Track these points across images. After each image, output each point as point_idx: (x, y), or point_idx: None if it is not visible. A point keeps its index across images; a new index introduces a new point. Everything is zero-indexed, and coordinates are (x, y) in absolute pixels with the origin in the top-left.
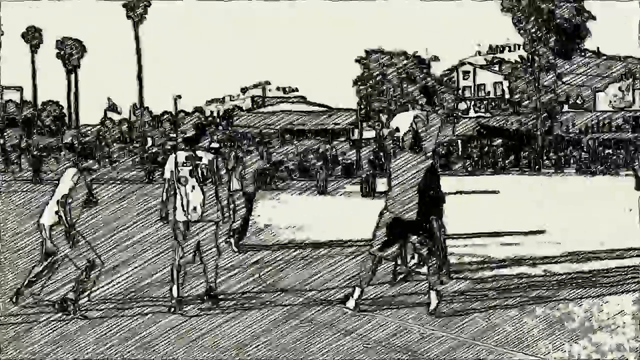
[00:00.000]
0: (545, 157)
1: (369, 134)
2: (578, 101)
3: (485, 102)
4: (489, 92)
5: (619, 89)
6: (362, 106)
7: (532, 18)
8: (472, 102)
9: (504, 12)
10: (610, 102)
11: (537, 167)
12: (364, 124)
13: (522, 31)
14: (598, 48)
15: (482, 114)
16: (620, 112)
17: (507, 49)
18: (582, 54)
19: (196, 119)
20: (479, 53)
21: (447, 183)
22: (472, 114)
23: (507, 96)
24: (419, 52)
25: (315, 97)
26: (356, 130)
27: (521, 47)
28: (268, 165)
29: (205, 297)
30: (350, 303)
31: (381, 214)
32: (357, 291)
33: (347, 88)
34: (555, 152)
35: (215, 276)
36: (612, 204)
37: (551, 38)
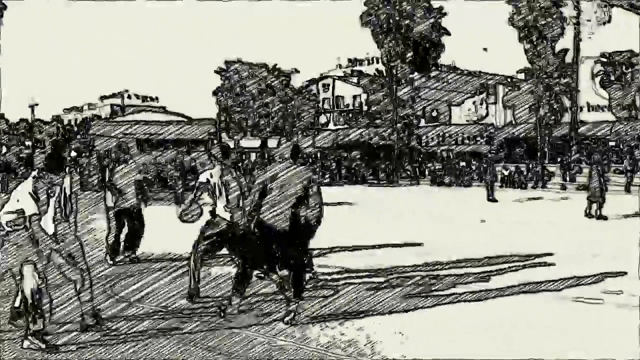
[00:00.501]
0: (402, 169)
1: (229, 144)
2: (434, 114)
3: (344, 114)
4: (348, 105)
5: (473, 103)
6: (222, 117)
7: (391, 33)
8: (332, 115)
9: (364, 27)
10: (465, 115)
11: (393, 178)
12: (224, 135)
13: (380, 45)
14: (454, 62)
15: (341, 126)
16: (474, 125)
17: (366, 62)
18: (439, 68)
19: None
20: (339, 66)
21: None
22: (331, 126)
23: (365, 109)
24: (279, 64)
25: (175, 107)
26: (215, 141)
27: (380, 61)
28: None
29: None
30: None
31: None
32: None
33: (207, 98)
34: (411, 164)
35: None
36: (465, 214)
37: (408, 53)
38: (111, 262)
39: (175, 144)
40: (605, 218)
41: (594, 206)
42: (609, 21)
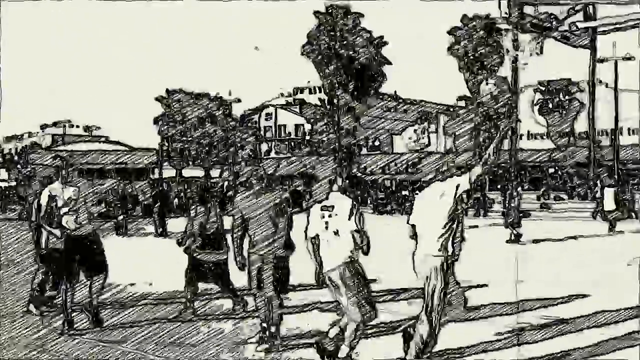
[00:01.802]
0: None
1: (170, 173)
2: (376, 143)
3: (286, 143)
4: (290, 134)
5: (415, 131)
6: (164, 146)
7: (332, 63)
8: (273, 143)
9: (304, 56)
10: (407, 144)
11: None
12: (165, 164)
13: (322, 75)
14: (395, 92)
15: (283, 155)
16: (415, 154)
17: (308, 91)
18: (380, 97)
19: None
20: (282, 95)
21: None
22: (273, 155)
23: (307, 138)
24: (221, 93)
25: (116, 136)
26: (157, 170)
27: (321, 89)
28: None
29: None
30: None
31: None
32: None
33: (148, 127)
34: (354, 192)
35: None
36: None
37: (350, 82)
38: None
39: (117, 173)
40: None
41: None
42: (541, 52)
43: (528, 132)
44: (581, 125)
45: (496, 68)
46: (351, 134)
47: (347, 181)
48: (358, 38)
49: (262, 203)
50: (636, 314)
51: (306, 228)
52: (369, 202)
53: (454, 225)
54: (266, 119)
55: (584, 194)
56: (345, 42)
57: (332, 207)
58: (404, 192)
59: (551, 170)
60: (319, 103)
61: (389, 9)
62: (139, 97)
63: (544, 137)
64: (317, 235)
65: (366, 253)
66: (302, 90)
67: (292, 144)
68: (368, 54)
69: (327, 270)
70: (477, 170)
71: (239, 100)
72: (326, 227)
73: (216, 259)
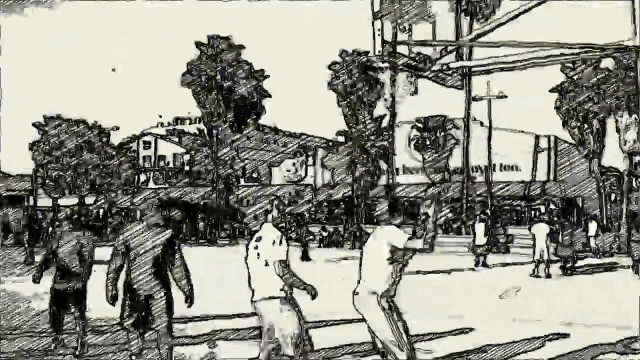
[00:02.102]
0: (221, 229)
1: (46, 201)
2: (254, 175)
3: (164, 173)
4: (168, 163)
5: (293, 164)
6: (39, 173)
7: (212, 93)
8: (152, 173)
9: (184, 86)
10: (285, 176)
11: (213, 238)
12: (40, 191)
13: (201, 105)
14: (274, 124)
15: (162, 185)
16: (292, 185)
17: (187, 121)
18: (260, 129)
19: None
20: (161, 124)
21: None
22: (151, 184)
23: (186, 168)
24: (99, 120)
25: None
26: (31, 197)
27: (201, 120)
28: None
29: None
30: None
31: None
32: None
33: (23, 153)
34: (231, 224)
35: None
36: None
37: (229, 114)
38: None
39: None
40: None
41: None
42: (415, 92)
43: (403, 166)
44: (456, 161)
45: (374, 104)
46: (229, 165)
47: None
48: (239, 70)
49: (149, 238)
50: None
51: (246, 256)
52: (246, 233)
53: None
54: (145, 148)
55: (458, 228)
56: (225, 73)
57: (261, 237)
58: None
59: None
60: (197, 133)
61: (270, 42)
62: (15, 121)
63: (419, 172)
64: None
65: (312, 296)
66: (182, 121)
67: (170, 173)
68: (248, 86)
69: (256, 299)
70: (417, 244)
71: (117, 129)
72: (257, 257)
73: (72, 288)
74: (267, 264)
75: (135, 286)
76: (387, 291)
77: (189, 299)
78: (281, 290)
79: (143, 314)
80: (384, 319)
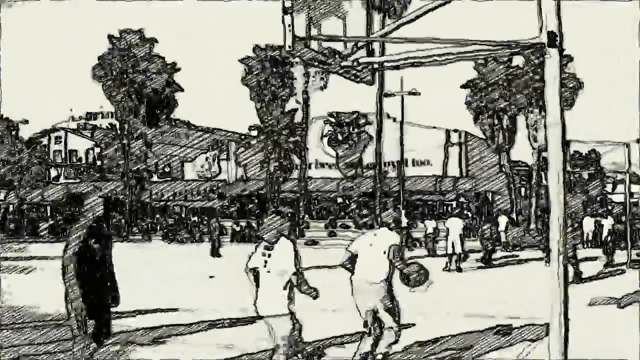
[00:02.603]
0: (134, 225)
1: None
2: (167, 169)
3: (75, 168)
4: (80, 158)
5: (206, 159)
6: None
7: (124, 87)
8: (63, 168)
9: (95, 80)
10: (198, 171)
11: (125, 234)
12: None
13: (112, 99)
14: (188, 120)
15: (73, 180)
16: (206, 181)
17: (100, 115)
18: (173, 124)
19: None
20: (72, 118)
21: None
22: (62, 179)
23: (98, 163)
24: (7, 114)
25: None
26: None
27: (113, 114)
28: None
29: None
30: None
31: None
32: None
33: None
34: (144, 219)
35: None
36: (190, 268)
37: (141, 108)
38: None
39: None
40: None
41: None
42: (325, 87)
43: (316, 161)
44: (369, 157)
45: (287, 98)
46: (142, 159)
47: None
48: (151, 64)
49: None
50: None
51: (249, 259)
52: (158, 229)
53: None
54: (56, 143)
55: (371, 223)
56: (138, 67)
57: (271, 247)
58: (193, 219)
59: (339, 200)
60: (109, 127)
61: (183, 37)
62: None
63: (332, 167)
64: (256, 269)
65: (315, 297)
66: (94, 115)
67: (82, 168)
68: (161, 80)
69: (264, 314)
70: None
71: (26, 122)
72: (264, 265)
73: None
74: (270, 273)
75: None
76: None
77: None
78: (290, 303)
79: None
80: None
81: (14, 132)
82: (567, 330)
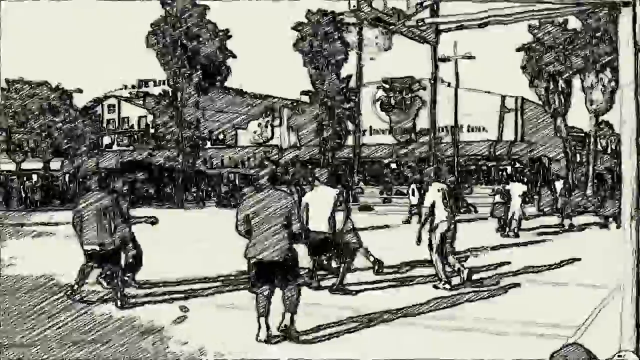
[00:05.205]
0: (187, 192)
1: (8, 166)
2: (220, 137)
3: (129, 135)
4: (133, 126)
5: (259, 125)
6: (1, 137)
7: (176, 54)
8: (116, 136)
9: (149, 48)
10: (251, 138)
11: (179, 201)
12: (3, 156)
13: (165, 67)
14: (240, 85)
15: (126, 148)
16: (260, 147)
17: (152, 83)
18: (225, 91)
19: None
20: (125, 86)
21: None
22: (115, 147)
23: (151, 130)
24: (62, 83)
25: None
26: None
27: (166, 82)
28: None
29: None
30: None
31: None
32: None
33: None
34: (197, 186)
35: None
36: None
37: (194, 75)
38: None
39: None
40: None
41: None
42: (390, 47)
43: (370, 127)
44: (422, 122)
45: (341, 64)
46: (194, 126)
47: None
48: (203, 30)
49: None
50: None
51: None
52: (212, 196)
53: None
54: (109, 111)
55: (426, 189)
56: (190, 34)
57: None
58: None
59: (393, 166)
60: (162, 95)
61: (235, 3)
62: None
63: (386, 132)
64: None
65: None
66: (146, 83)
67: (135, 136)
68: (213, 47)
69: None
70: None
71: (80, 91)
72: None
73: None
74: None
75: None
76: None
77: None
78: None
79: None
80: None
81: (68, 102)
82: (639, 293)
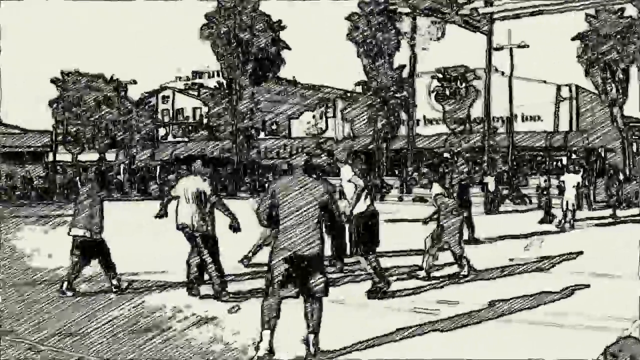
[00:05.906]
0: (242, 182)
1: (66, 157)
2: (274, 127)
3: (183, 127)
4: (187, 117)
5: (313, 116)
6: (59, 129)
7: (231, 46)
8: (171, 127)
9: (203, 39)
10: (305, 129)
11: (233, 191)
12: (60, 147)
13: (220, 58)
14: (294, 77)
15: (181, 139)
16: (313, 138)
17: (206, 75)
18: (279, 82)
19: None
20: (179, 78)
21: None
22: (170, 138)
23: (205, 121)
24: (117, 75)
25: (9, 119)
26: (51, 154)
27: (220, 73)
28: None
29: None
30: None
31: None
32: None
33: (42, 109)
34: (251, 176)
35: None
36: None
37: (248, 66)
38: None
39: (9, 156)
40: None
41: None
42: (442, 37)
43: (424, 117)
44: (477, 112)
45: (394, 54)
46: (249, 117)
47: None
48: (257, 21)
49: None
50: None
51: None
52: (266, 186)
53: None
54: (164, 102)
55: (480, 179)
56: (243, 25)
57: None
58: None
59: (446, 155)
60: (217, 86)
61: None
62: (33, 78)
63: (440, 122)
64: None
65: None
66: (201, 74)
67: (190, 127)
68: (267, 38)
69: None
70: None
71: (135, 82)
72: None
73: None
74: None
75: None
76: None
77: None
78: None
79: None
80: None
81: (123, 93)
82: None
